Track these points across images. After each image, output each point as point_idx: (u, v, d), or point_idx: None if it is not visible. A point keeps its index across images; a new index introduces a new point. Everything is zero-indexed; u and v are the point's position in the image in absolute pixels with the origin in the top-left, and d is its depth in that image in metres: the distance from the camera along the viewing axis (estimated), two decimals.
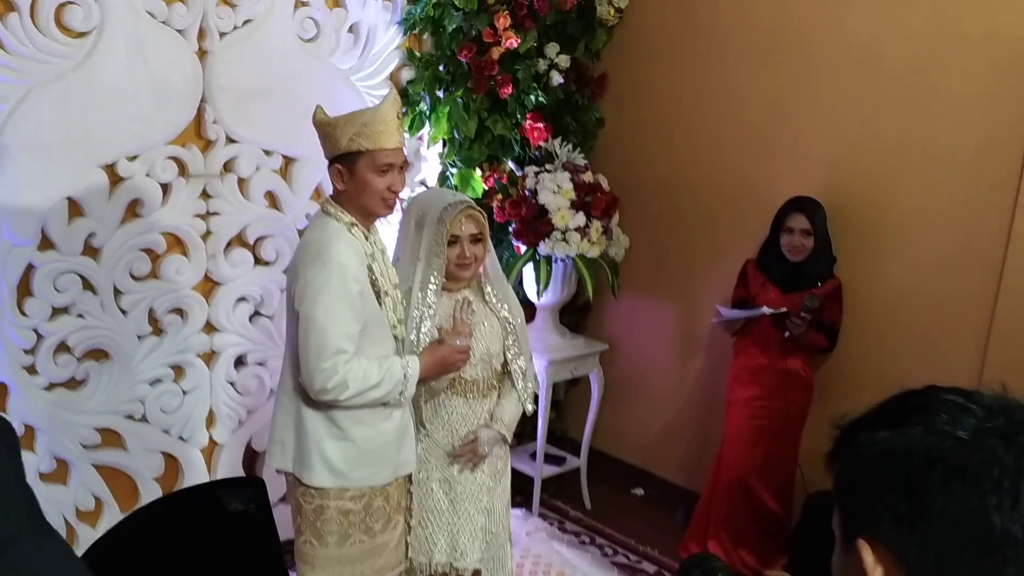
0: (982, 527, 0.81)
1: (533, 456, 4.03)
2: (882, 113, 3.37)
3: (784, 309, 3.33)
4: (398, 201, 2.38)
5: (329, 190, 3.28)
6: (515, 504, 3.70)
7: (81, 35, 2.76)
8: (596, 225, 3.67)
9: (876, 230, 3.41)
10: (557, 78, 3.93)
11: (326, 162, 2.34)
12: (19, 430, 2.80)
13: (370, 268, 2.29)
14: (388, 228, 2.98)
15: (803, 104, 3.60)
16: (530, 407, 2.68)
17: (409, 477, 2.53)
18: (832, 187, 3.48)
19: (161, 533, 1.08)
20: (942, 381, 2.72)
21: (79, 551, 2.96)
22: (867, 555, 0.87)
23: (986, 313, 3.15)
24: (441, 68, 3.73)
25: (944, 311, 3.27)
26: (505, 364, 2.62)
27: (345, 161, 2.26)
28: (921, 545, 0.84)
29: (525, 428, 3.53)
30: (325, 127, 2.27)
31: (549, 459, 4.10)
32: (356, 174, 2.25)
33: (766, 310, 3.34)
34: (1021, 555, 0.81)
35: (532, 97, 3.87)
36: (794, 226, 3.37)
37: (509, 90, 3.77)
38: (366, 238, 2.33)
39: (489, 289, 2.61)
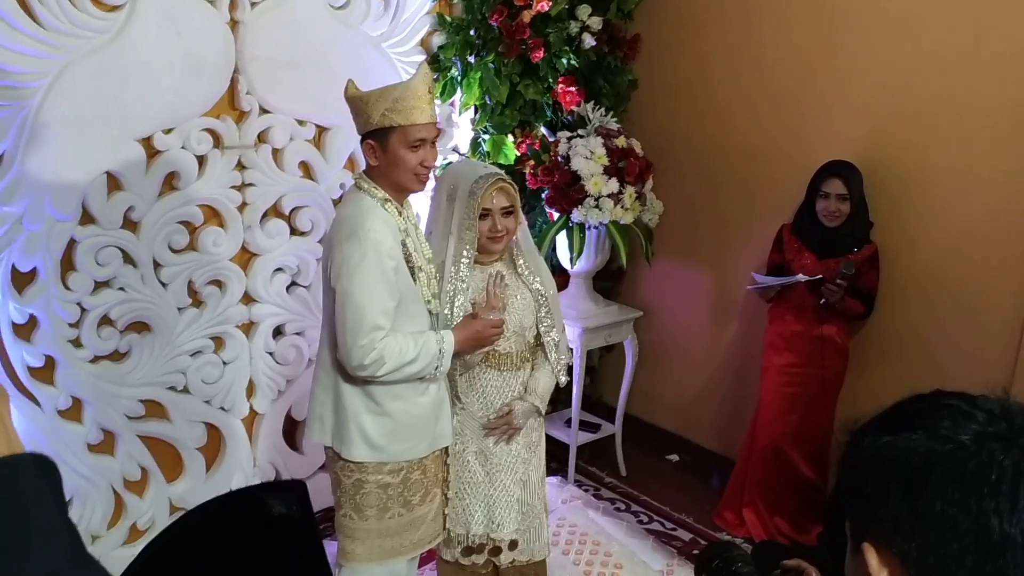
0: (981, 530, 0.82)
1: (568, 423, 4.06)
2: (917, 75, 3.29)
3: (820, 276, 3.30)
4: (431, 175, 2.38)
5: (362, 160, 3.31)
6: (551, 471, 3.74)
7: (114, 8, 2.77)
8: (630, 191, 3.64)
9: (913, 194, 3.36)
10: (589, 40, 3.88)
11: (358, 136, 2.34)
12: (67, 403, 2.87)
13: (404, 244, 2.30)
14: (421, 200, 2.99)
15: (837, 66, 3.53)
16: (563, 378, 2.69)
17: (446, 450, 2.56)
18: (867, 150, 3.43)
19: (207, 536, 1.10)
20: (980, 346, 2.74)
21: (127, 521, 3.06)
22: (872, 558, 0.89)
23: None
24: (472, 33, 3.69)
25: (983, 275, 3.22)
26: (538, 336, 2.63)
27: (377, 136, 2.26)
28: (922, 548, 0.85)
29: (560, 395, 3.55)
30: (357, 102, 2.27)
31: (584, 426, 4.12)
32: (388, 149, 2.25)
33: (801, 277, 3.31)
34: (1021, 558, 0.82)
35: (564, 60, 3.83)
36: (830, 191, 3.32)
37: (541, 54, 3.73)
38: (400, 213, 2.33)
39: (521, 261, 2.61)
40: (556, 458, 4.04)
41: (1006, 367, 3.18)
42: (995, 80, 3.10)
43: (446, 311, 2.46)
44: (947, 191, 3.28)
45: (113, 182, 2.87)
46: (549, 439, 3.34)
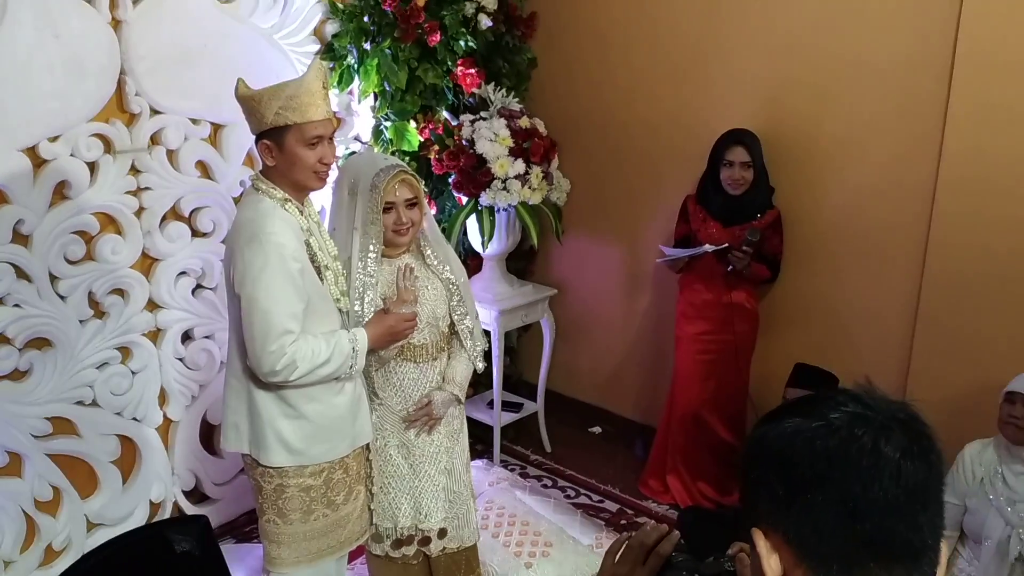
0: (848, 497, 0.91)
1: (490, 405, 4.07)
2: (808, 39, 3.38)
3: (726, 244, 3.36)
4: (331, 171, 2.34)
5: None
6: (476, 454, 3.75)
7: None
8: (536, 171, 3.64)
9: (811, 159, 3.46)
10: (486, 21, 3.86)
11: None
12: None
13: (308, 244, 2.26)
14: (323, 195, 2.94)
15: (728, 39, 3.60)
16: (480, 365, 2.69)
17: (367, 446, 2.54)
18: (764, 120, 3.50)
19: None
20: (881, 303, 2.86)
21: (41, 543, 2.96)
22: (760, 542, 0.96)
23: (921, 236, 3.22)
24: (366, 19, 3.63)
25: (882, 235, 3.34)
26: (452, 325, 2.62)
27: (273, 136, 2.20)
28: (799, 520, 0.93)
29: (481, 377, 3.55)
30: (249, 101, 2.21)
31: (507, 406, 4.14)
32: (285, 149, 2.21)
33: (708, 248, 3.37)
34: (885, 520, 0.91)
35: (461, 42, 3.80)
36: (734, 159, 3.38)
37: (437, 37, 3.69)
38: (301, 213, 2.29)
39: (429, 252, 2.59)
40: (481, 440, 4.05)
41: (907, 322, 3.31)
42: (882, 44, 3.20)
43: (356, 308, 2.42)
44: (843, 155, 3.38)
45: None
46: (473, 422, 3.35)
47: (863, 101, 3.28)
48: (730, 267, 3.39)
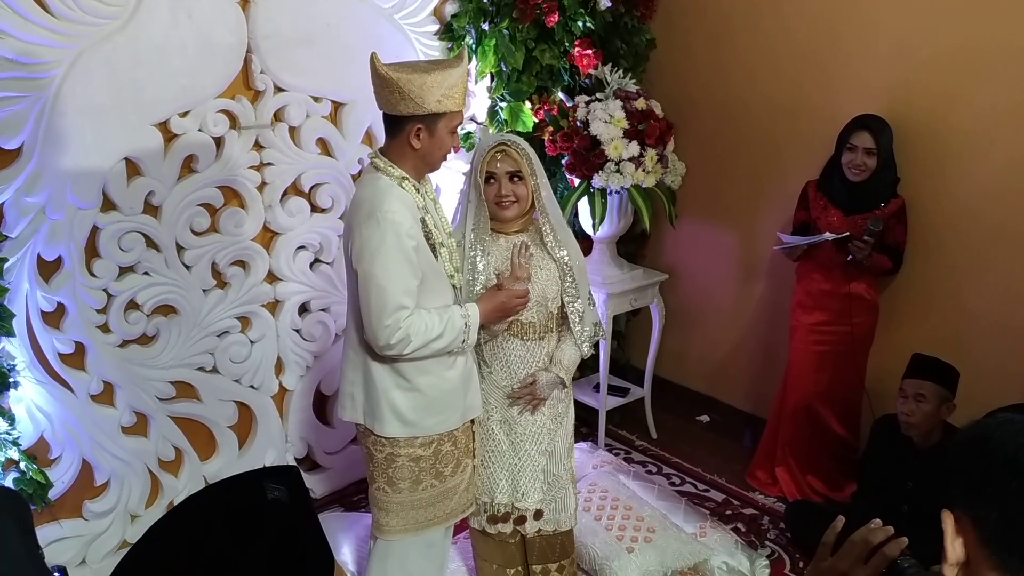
0: None
1: (597, 388, 4.06)
2: (943, 22, 3.20)
3: (847, 233, 3.25)
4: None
5: (379, 133, 3.28)
6: (581, 437, 3.74)
7: None
8: (651, 154, 3.59)
9: (941, 144, 3.29)
10: (604, 1, 3.81)
11: (380, 110, 2.31)
12: (99, 387, 2.91)
13: (423, 221, 2.30)
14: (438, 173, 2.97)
15: (859, 15, 3.44)
16: (586, 350, 2.67)
17: (473, 421, 2.57)
18: (893, 103, 3.35)
19: (207, 521, 1.14)
20: (1011, 297, 2.69)
21: (164, 499, 3.10)
22: (948, 523, 0.98)
23: None
24: (485, 0, 3.65)
25: (1013, 225, 3.16)
26: (563, 307, 2.62)
27: (427, 120, 2.25)
28: (989, 504, 0.94)
29: (588, 360, 3.53)
30: (409, 85, 2.19)
31: (613, 390, 4.11)
32: (435, 134, 2.27)
33: (828, 236, 3.26)
34: None
35: (579, 23, 3.77)
36: (857, 144, 3.26)
37: (555, 17, 3.67)
38: (417, 191, 2.33)
39: (549, 232, 2.57)
40: (586, 423, 4.05)
41: None
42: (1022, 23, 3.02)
43: (469, 276, 2.48)
44: (976, 139, 3.20)
45: (132, 168, 2.87)
46: (578, 404, 3.34)
47: (1003, 87, 3.10)
48: (850, 257, 3.27)
